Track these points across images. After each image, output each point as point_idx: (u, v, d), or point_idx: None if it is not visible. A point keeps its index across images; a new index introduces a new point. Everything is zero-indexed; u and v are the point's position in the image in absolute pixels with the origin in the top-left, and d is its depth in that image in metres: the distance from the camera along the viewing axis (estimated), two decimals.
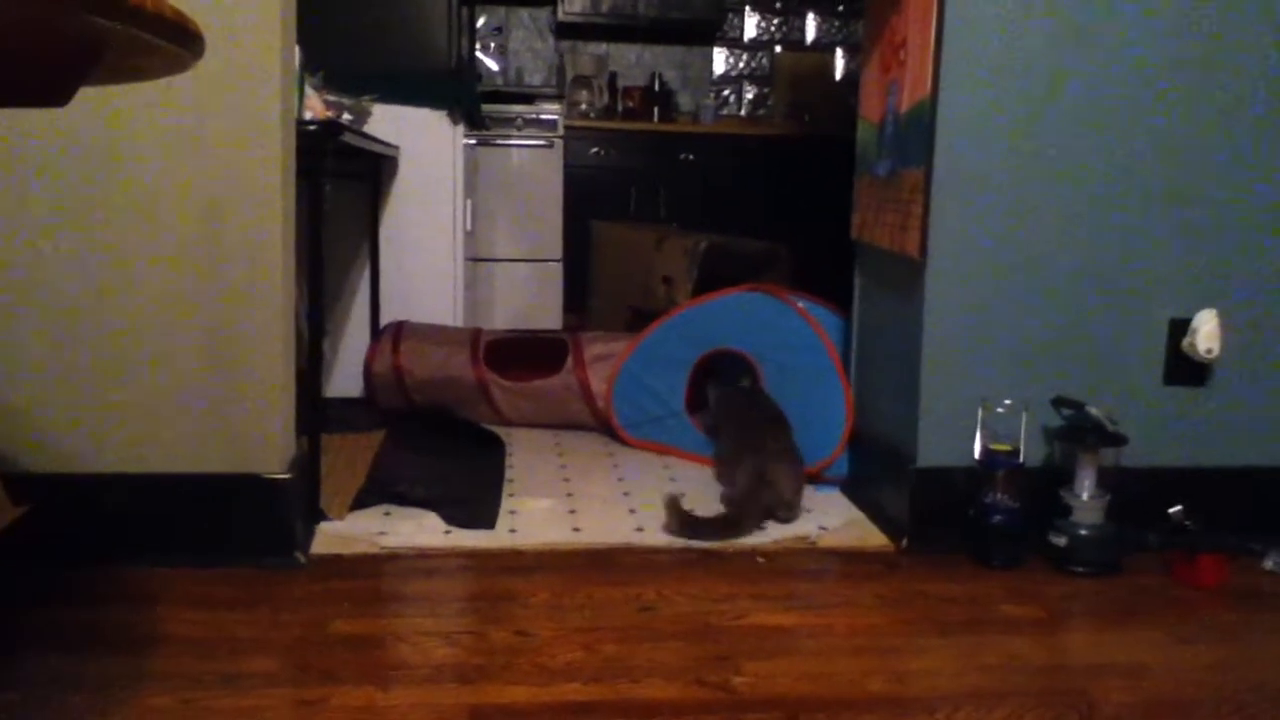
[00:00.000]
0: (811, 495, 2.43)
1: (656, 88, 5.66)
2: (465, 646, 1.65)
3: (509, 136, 4.86)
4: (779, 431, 2.39)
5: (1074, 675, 1.63)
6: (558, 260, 4.93)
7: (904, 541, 2.16)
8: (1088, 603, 1.93)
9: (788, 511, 2.26)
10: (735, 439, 2.44)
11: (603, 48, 5.77)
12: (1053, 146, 2.11)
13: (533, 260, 4.91)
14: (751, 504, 2.19)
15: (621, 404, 2.89)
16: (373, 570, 1.97)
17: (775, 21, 5.90)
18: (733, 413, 2.57)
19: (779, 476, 2.24)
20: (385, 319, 3.37)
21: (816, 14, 5.90)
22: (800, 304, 2.67)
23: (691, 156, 5.28)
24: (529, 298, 4.91)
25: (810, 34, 5.92)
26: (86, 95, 1.14)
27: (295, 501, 2.00)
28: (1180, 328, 2.17)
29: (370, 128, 3.08)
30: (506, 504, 2.35)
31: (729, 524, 2.16)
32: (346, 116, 2.80)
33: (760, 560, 2.07)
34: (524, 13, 5.70)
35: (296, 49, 2.08)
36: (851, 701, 1.51)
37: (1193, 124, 2.14)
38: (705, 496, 2.42)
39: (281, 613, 1.76)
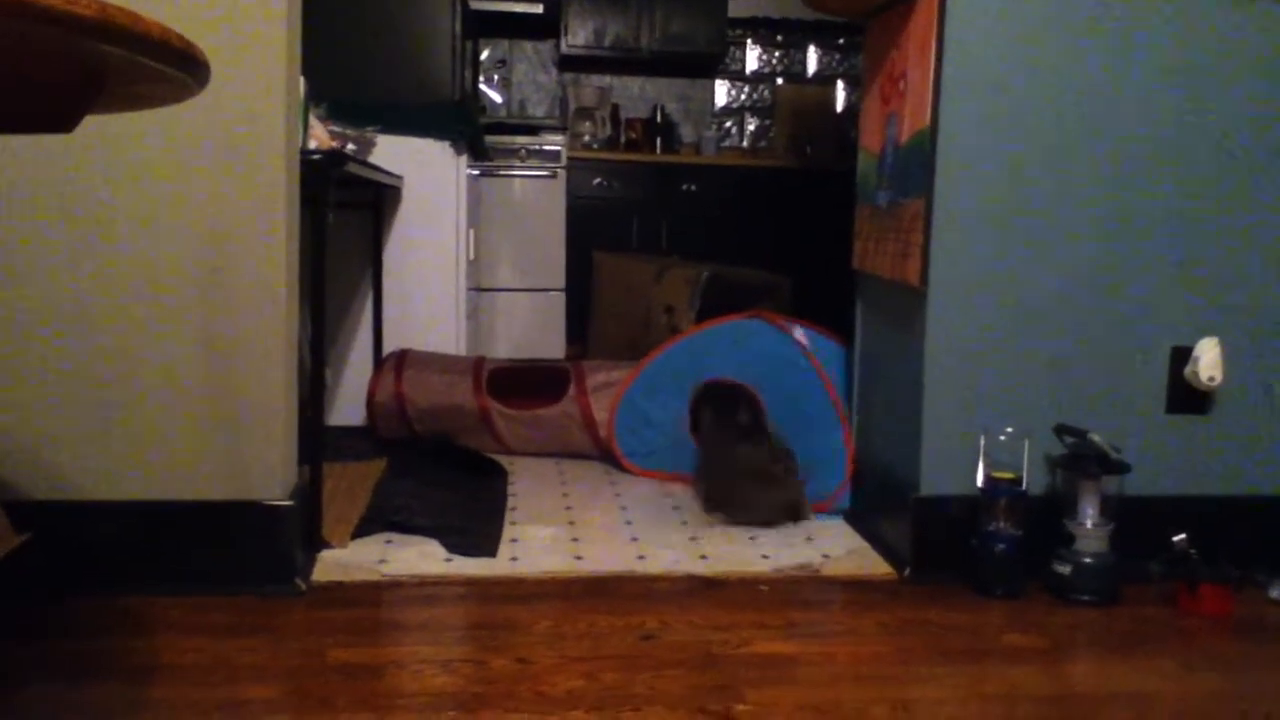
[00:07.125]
0: (814, 524, 2.43)
1: (659, 119, 5.70)
2: (465, 675, 1.65)
3: (512, 167, 4.89)
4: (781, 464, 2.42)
5: (1078, 705, 1.61)
6: (560, 290, 4.95)
7: (906, 570, 2.15)
8: (1091, 632, 1.92)
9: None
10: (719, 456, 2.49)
11: (605, 80, 5.82)
12: (1053, 175, 2.12)
13: (535, 290, 4.93)
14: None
15: (623, 432, 2.89)
16: (373, 598, 1.97)
17: (776, 54, 5.95)
18: (716, 447, 2.59)
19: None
20: (388, 347, 3.38)
21: (817, 47, 5.95)
22: (800, 332, 2.68)
23: (693, 188, 5.31)
24: (531, 327, 4.93)
25: (811, 67, 5.97)
26: (91, 121, 1.15)
27: (296, 529, 1.99)
28: (1182, 356, 2.18)
29: (374, 158, 3.11)
30: (508, 532, 2.35)
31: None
32: (351, 147, 2.83)
33: (762, 589, 2.06)
34: (527, 45, 5.76)
35: (302, 79, 2.10)
36: None
37: (1193, 153, 2.15)
38: (708, 522, 2.42)
39: (281, 640, 1.75)
